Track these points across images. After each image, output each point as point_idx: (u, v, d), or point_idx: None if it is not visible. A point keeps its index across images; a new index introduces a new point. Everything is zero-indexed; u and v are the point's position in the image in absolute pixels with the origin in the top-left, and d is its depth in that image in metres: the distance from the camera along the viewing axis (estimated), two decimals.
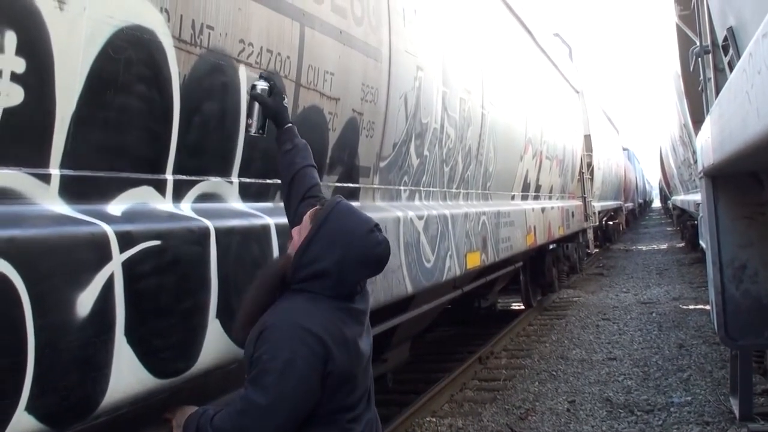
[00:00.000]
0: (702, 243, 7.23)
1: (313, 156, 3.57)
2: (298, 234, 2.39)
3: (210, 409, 2.28)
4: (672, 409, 6.41)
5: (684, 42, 7.48)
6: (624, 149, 35.56)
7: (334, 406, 2.23)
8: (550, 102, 10.89)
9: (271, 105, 2.81)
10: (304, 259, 2.27)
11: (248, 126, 2.83)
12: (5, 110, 1.86)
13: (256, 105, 2.80)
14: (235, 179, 2.93)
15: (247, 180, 2.98)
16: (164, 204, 2.51)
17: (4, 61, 1.85)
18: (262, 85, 2.83)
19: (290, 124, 2.87)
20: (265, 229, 2.95)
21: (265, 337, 2.15)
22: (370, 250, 2.30)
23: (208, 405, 2.41)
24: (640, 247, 26.43)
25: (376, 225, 2.36)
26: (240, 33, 2.84)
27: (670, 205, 31.70)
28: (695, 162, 8.25)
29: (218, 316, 2.59)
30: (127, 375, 2.17)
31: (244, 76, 2.89)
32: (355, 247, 2.27)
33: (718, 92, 4.64)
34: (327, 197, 2.76)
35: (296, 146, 2.82)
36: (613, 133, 28.48)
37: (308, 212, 2.42)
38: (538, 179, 9.98)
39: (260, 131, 2.83)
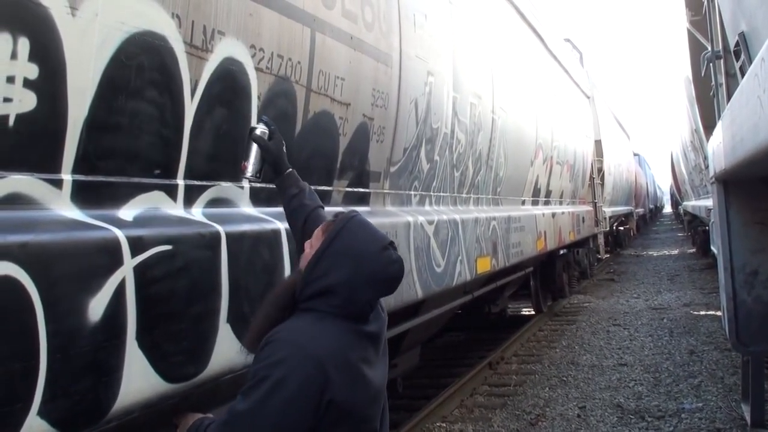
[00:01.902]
0: (713, 249, 7.20)
1: (324, 161, 3.60)
2: (310, 247, 2.26)
3: (207, 419, 2.23)
4: (683, 415, 6.38)
5: (695, 47, 7.46)
6: (635, 154, 35.44)
7: None
8: (560, 107, 10.87)
9: (272, 149, 2.72)
10: (313, 275, 2.14)
11: (243, 168, 2.69)
12: (18, 116, 1.88)
13: (254, 147, 2.69)
14: (246, 184, 2.94)
15: (258, 185, 2.99)
16: (175, 209, 2.52)
17: (16, 67, 1.86)
18: (261, 128, 2.71)
19: (291, 169, 2.76)
20: (276, 233, 2.96)
21: (264, 353, 2.04)
22: (383, 268, 2.15)
23: (211, 414, 2.40)
24: (650, 253, 26.32)
25: (391, 243, 2.21)
26: (251, 38, 2.85)
27: (681, 211, 31.56)
28: (706, 167, 8.22)
29: (229, 320, 2.59)
30: (138, 379, 2.18)
31: (255, 82, 2.89)
32: (366, 265, 2.12)
33: (729, 97, 4.62)
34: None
35: (303, 190, 2.72)
36: (624, 139, 28.39)
37: (321, 226, 2.30)
38: (548, 184, 9.95)
39: (257, 175, 2.70)
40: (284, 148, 2.78)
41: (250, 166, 2.68)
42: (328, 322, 2.10)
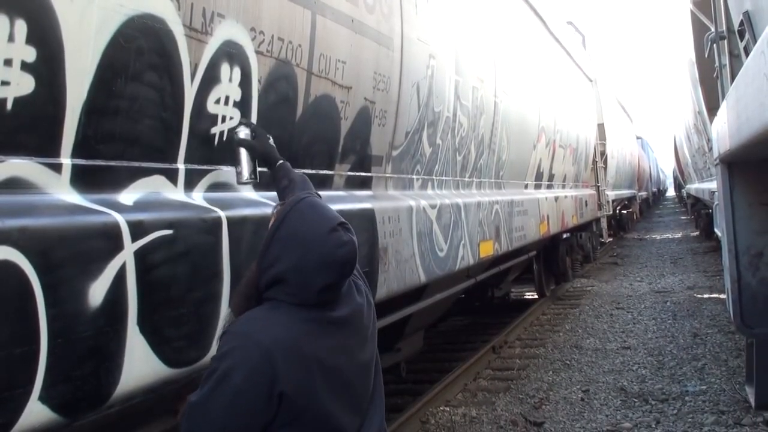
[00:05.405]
0: (717, 231, 7.17)
1: (326, 145, 3.58)
2: None
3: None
4: (687, 398, 6.38)
5: (698, 29, 7.40)
6: (638, 138, 35.36)
7: None
8: (563, 90, 10.83)
9: (258, 147, 2.73)
10: (264, 263, 2.05)
11: (238, 174, 2.74)
12: (16, 99, 1.86)
13: (242, 151, 2.72)
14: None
15: (260, 169, 2.96)
16: (176, 193, 2.50)
17: (14, 49, 1.84)
18: (244, 131, 2.74)
19: (282, 161, 2.75)
20: None
21: (219, 345, 2.00)
22: (331, 251, 2.00)
23: None
24: (654, 236, 26.29)
25: (342, 223, 2.08)
26: (251, 21, 2.82)
27: (684, 194, 31.50)
28: (710, 150, 8.17)
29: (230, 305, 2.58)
30: (139, 364, 2.17)
31: (256, 65, 2.87)
32: (313, 249, 2.00)
33: (733, 78, 4.58)
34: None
35: (293, 180, 2.67)
36: (627, 122, 28.31)
37: (274, 211, 2.22)
38: (551, 168, 9.93)
39: (252, 176, 2.74)
40: (271, 141, 2.77)
41: (243, 169, 2.72)
42: (282, 311, 2.01)
